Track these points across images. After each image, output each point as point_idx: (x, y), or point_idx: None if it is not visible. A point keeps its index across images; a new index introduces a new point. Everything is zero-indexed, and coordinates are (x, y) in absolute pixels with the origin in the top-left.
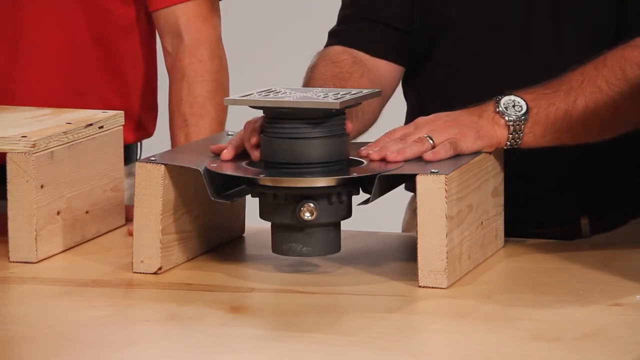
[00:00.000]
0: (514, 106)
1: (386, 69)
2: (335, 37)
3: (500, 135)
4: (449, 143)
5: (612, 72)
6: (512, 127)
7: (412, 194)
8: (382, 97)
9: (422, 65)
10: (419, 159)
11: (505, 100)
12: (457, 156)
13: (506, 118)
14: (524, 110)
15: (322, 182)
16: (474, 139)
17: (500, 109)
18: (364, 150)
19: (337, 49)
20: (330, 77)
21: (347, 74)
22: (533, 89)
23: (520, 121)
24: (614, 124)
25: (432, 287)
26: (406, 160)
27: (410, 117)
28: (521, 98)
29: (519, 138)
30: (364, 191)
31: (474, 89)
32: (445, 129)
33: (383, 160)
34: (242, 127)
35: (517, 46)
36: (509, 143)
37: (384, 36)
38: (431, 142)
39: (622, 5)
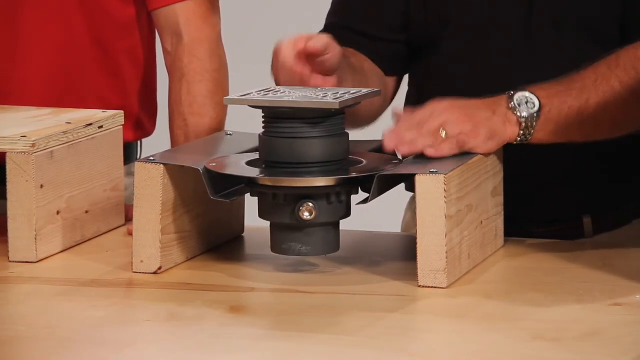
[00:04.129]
0: (526, 103)
1: (384, 79)
2: None
3: (510, 132)
4: (457, 142)
5: (625, 71)
6: (524, 124)
7: (412, 194)
8: (382, 103)
9: (422, 64)
10: (419, 158)
11: (519, 96)
12: (460, 154)
13: (518, 115)
14: (536, 108)
15: (321, 181)
16: (484, 140)
17: (513, 104)
18: (385, 139)
19: None
20: (350, 73)
21: (365, 72)
22: (546, 85)
23: (533, 118)
24: (625, 123)
25: (432, 287)
26: (405, 158)
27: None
28: (534, 95)
29: (529, 135)
30: (363, 190)
31: (473, 89)
32: (460, 123)
33: (395, 149)
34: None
35: (518, 45)
36: (519, 139)
37: (374, 48)
38: (443, 135)
39: (627, 5)
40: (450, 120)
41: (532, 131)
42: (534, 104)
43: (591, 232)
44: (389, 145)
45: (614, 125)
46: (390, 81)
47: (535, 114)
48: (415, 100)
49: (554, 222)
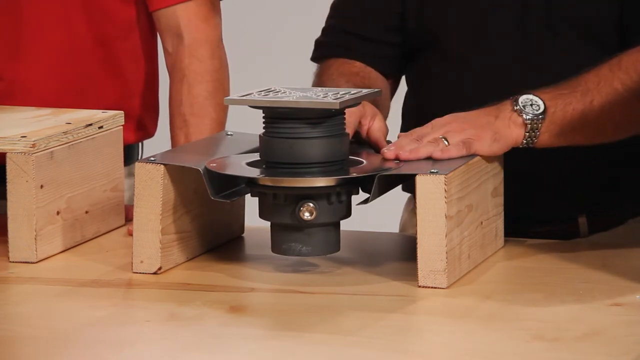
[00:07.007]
0: (531, 105)
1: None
2: (328, 49)
3: (516, 135)
4: (462, 143)
5: (627, 74)
6: (529, 126)
7: (409, 194)
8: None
9: (418, 65)
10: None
11: (523, 98)
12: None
13: (524, 116)
14: (541, 110)
15: (321, 182)
16: (490, 142)
17: (518, 107)
18: (384, 150)
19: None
20: (350, 74)
21: (366, 74)
22: (549, 88)
23: (538, 120)
24: (627, 124)
25: (432, 287)
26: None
27: (408, 118)
28: (538, 97)
29: (535, 137)
30: (364, 191)
31: (470, 90)
32: (461, 130)
33: (396, 158)
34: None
35: (514, 47)
36: (524, 142)
37: (370, 50)
38: (446, 143)
39: (625, 8)
40: (451, 130)
41: (538, 133)
42: (538, 105)
43: (587, 232)
44: (388, 156)
45: (617, 127)
46: (388, 82)
47: (540, 116)
48: (412, 101)
49: (550, 222)
